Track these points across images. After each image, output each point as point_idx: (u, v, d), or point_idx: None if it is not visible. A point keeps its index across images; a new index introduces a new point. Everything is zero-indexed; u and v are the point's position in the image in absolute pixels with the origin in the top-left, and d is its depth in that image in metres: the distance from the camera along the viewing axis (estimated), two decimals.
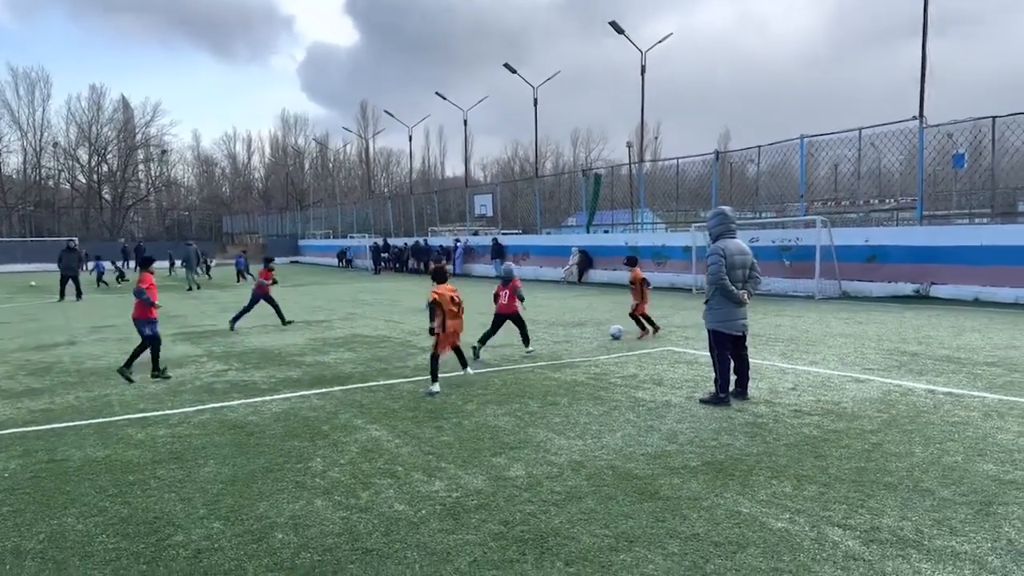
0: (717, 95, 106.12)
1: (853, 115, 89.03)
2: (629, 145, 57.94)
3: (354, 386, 8.48)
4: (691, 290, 21.15)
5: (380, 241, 41.28)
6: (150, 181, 77.19)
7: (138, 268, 32.43)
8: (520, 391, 8.01)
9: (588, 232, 29.60)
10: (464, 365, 8.82)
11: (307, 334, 13.39)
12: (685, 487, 4.80)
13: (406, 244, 39.71)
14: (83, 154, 70.84)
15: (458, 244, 35.27)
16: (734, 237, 7.42)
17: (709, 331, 7.38)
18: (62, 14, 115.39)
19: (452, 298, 8.27)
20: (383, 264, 39.66)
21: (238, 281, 31.26)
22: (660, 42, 32.70)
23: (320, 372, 9.43)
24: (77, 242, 28.34)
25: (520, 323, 10.62)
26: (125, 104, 73.97)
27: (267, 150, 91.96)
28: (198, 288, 27.21)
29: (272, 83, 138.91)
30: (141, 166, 75.74)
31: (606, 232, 32.06)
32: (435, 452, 5.74)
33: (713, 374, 7.39)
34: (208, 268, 36.77)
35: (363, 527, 4.25)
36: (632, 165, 36.23)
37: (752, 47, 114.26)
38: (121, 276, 33.33)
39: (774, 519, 4.22)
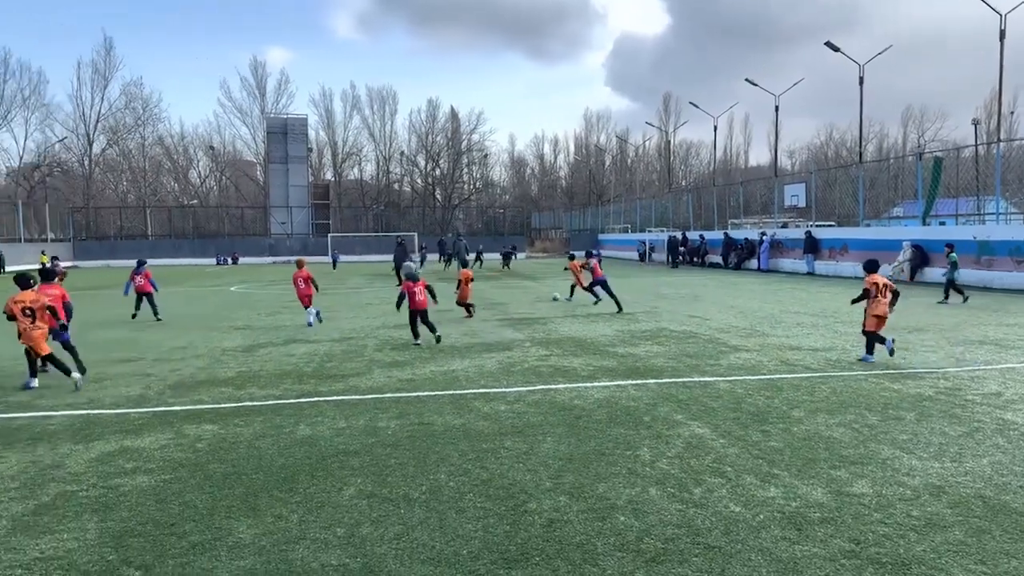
0: None
1: None
2: (975, 123, 49.57)
3: (668, 380, 8.56)
4: None
5: (678, 235, 40.92)
6: (472, 182, 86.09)
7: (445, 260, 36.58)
8: (854, 400, 7.38)
9: (924, 224, 25.99)
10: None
11: (615, 325, 13.83)
12: None
13: (702, 237, 38.80)
14: (421, 160, 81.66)
15: (764, 238, 33.46)
16: None
17: None
18: (402, 31, 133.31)
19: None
20: (681, 258, 39.27)
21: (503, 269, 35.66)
22: None
23: (633, 364, 9.69)
24: (404, 238, 32.85)
25: (425, 318, 12.06)
26: (454, 114, 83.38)
27: (571, 148, 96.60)
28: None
29: (579, 80, 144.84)
30: (465, 169, 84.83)
31: (942, 224, 27.85)
32: (765, 457, 5.56)
33: None
34: (480, 259, 39.77)
35: (701, 522, 4.29)
36: (980, 146, 30.91)
37: None
38: (447, 264, 38.00)
39: None
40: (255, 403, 7.74)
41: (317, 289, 15.22)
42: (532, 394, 7.90)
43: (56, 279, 10.97)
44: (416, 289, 12.03)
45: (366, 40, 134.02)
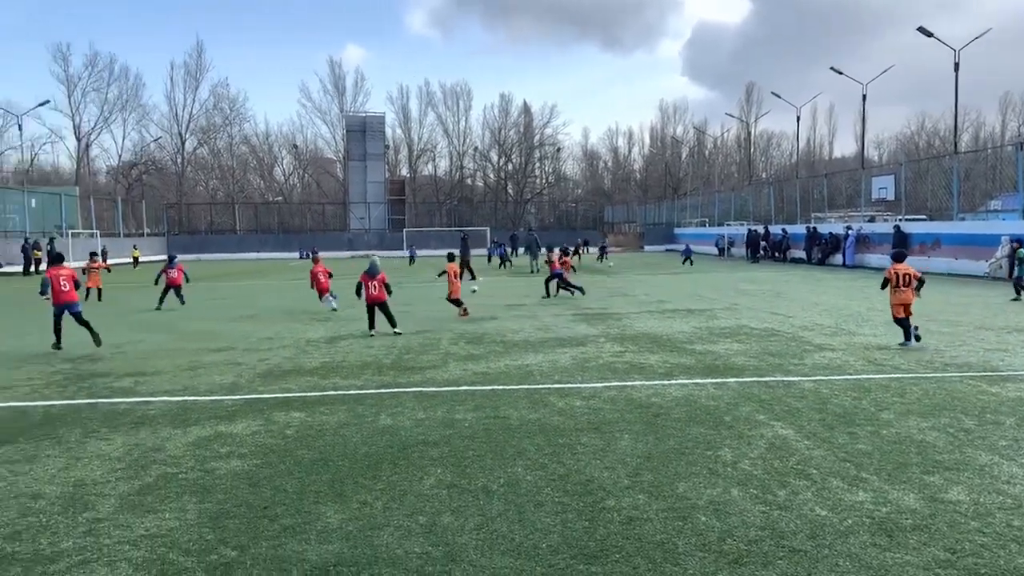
0: None
1: None
2: None
3: (749, 379, 8.36)
4: None
5: (759, 229, 39.76)
6: (544, 177, 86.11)
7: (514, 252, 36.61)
8: (948, 404, 7.02)
9: None
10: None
11: (691, 322, 13.59)
12: None
13: (784, 231, 37.56)
14: (494, 155, 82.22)
15: (849, 232, 32.12)
16: None
17: None
18: (476, 26, 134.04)
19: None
20: (762, 252, 38.16)
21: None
22: None
23: (711, 361, 9.51)
24: (467, 233, 33.44)
25: (386, 310, 12.73)
26: (526, 109, 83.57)
27: (646, 140, 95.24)
28: (537, 272, 29.97)
29: (654, 70, 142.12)
30: (538, 163, 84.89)
31: None
32: (852, 460, 5.37)
33: None
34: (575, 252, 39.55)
35: (785, 525, 4.19)
36: None
37: None
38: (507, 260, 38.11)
39: None
40: (338, 392, 8.01)
41: (331, 277, 16.96)
42: (608, 390, 7.86)
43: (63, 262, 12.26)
44: (372, 283, 12.69)
45: (440, 36, 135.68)
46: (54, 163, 75.21)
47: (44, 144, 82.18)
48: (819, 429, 6.21)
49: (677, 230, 60.48)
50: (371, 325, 12.75)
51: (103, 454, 5.84)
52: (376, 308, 12.76)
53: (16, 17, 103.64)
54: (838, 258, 32.36)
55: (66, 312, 11.35)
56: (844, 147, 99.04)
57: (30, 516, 4.55)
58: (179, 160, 74.66)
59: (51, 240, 38.04)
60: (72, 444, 6.14)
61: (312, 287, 16.90)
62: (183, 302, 17.92)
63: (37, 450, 5.98)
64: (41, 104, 54.37)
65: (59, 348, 11.26)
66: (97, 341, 11.21)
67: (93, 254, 22.35)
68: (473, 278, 22.20)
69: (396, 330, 12.60)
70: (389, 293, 12.92)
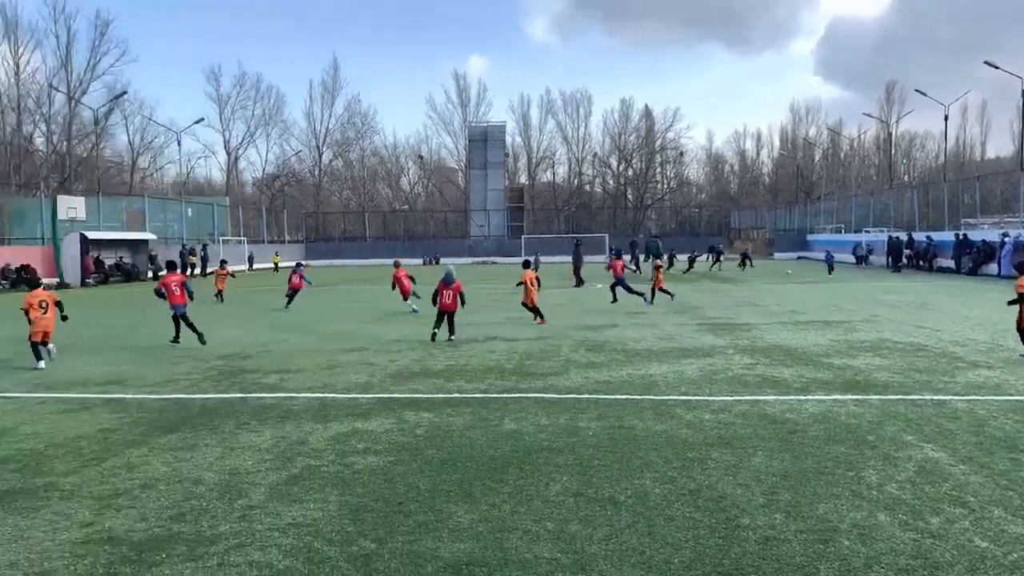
0: None
1: None
2: None
3: (894, 397, 7.81)
4: None
5: (901, 235, 37.04)
6: (666, 181, 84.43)
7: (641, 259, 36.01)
8: None
9: None
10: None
11: (828, 334, 12.86)
12: None
13: (929, 238, 34.76)
14: (613, 161, 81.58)
15: (1006, 239, 29.26)
16: None
17: None
18: (596, 30, 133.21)
19: None
20: (904, 261, 35.52)
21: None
22: None
23: (851, 377, 8.95)
24: (581, 239, 33.44)
25: (452, 319, 13.03)
26: (648, 113, 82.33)
27: (775, 143, 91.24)
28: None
29: (784, 70, 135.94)
30: (659, 168, 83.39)
31: None
32: (1015, 488, 4.90)
33: None
34: (672, 260, 38.21)
35: (939, 555, 3.88)
36: None
37: None
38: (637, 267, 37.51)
39: None
40: (463, 395, 8.22)
41: (414, 282, 18.23)
42: (738, 404, 7.59)
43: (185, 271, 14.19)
44: (447, 292, 12.98)
45: (560, 42, 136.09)
46: (207, 176, 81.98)
47: (199, 158, 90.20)
48: (976, 453, 5.70)
49: (810, 236, 57.50)
50: (436, 329, 12.95)
51: (253, 445, 6.30)
52: (446, 315, 13.04)
53: (176, 45, 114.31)
54: (992, 268, 29.57)
55: (178, 314, 12.80)
56: (999, 147, 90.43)
57: (192, 500, 4.97)
58: (316, 172, 79.39)
59: (204, 246, 41.53)
60: (226, 434, 6.67)
61: (393, 289, 18.58)
62: (287, 306, 19.36)
63: (197, 439, 6.54)
64: (196, 122, 59.41)
65: (177, 342, 12.72)
66: (201, 339, 12.40)
67: (223, 262, 25.73)
68: (579, 284, 21.85)
69: (451, 337, 12.86)
70: (462, 303, 13.27)
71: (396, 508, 4.73)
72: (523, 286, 15.56)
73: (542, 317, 15.14)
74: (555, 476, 5.32)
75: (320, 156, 78.84)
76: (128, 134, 66.75)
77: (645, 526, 4.37)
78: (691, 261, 36.63)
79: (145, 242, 37.99)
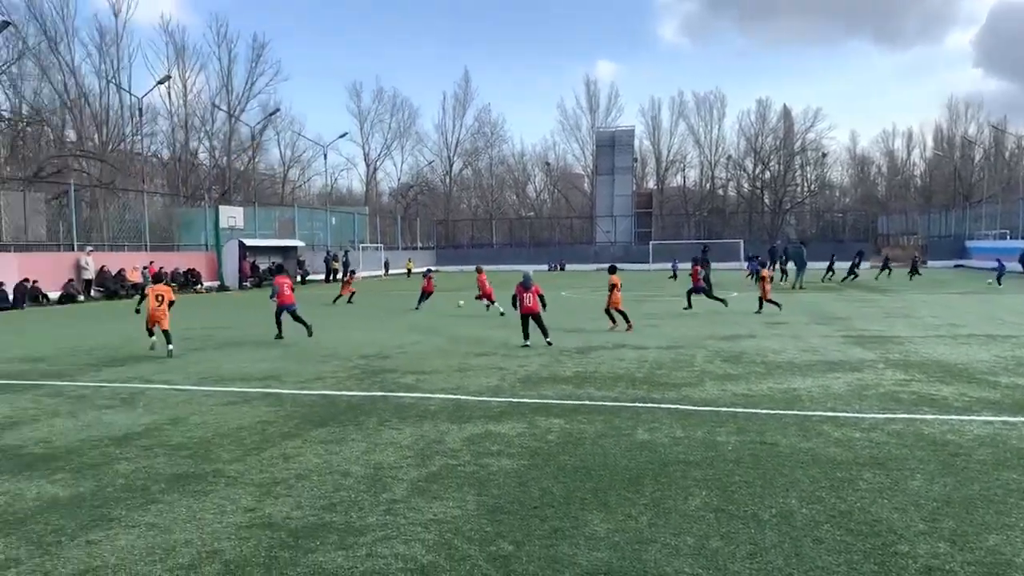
0: None
1: None
2: None
3: None
4: None
5: None
6: (806, 184, 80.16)
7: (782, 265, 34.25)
8: None
9: None
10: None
11: (993, 350, 11.71)
12: None
13: None
14: (748, 164, 78.51)
15: None
16: None
17: None
18: (730, 30, 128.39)
19: None
20: None
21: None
22: None
23: (1022, 397, 8.10)
24: (708, 245, 32.40)
25: (539, 321, 12.90)
26: (786, 113, 78.61)
27: (928, 142, 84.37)
28: (801, 288, 27.85)
29: (939, 63, 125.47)
30: (798, 171, 79.31)
31: None
32: None
33: None
34: (831, 268, 35.71)
35: None
36: None
37: None
38: (784, 275, 35.64)
39: None
40: (594, 403, 8.18)
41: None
42: (891, 423, 7.06)
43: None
44: (526, 295, 12.95)
45: (691, 44, 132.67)
46: (349, 186, 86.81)
47: (341, 170, 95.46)
48: None
49: (969, 243, 52.68)
50: (525, 335, 13.04)
51: (395, 442, 6.59)
52: (530, 319, 13.05)
53: (322, 63, 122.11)
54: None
55: (286, 311, 14.44)
56: None
57: (342, 491, 5.28)
58: (447, 181, 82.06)
59: (345, 252, 43.99)
60: (370, 430, 7.03)
61: (479, 297, 19.96)
62: (417, 307, 21.12)
63: (344, 433, 6.93)
64: (340, 136, 63.38)
65: (281, 338, 14.22)
66: (309, 332, 14.20)
67: (352, 272, 28.85)
68: (710, 291, 21.10)
69: (548, 340, 12.82)
70: (544, 306, 13.21)
71: (532, 512, 4.79)
72: (611, 290, 15.59)
73: (629, 323, 15.17)
74: (693, 490, 5.19)
75: (451, 166, 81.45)
76: (280, 148, 72.09)
77: (792, 547, 4.16)
78: (853, 268, 33.98)
79: (295, 248, 40.81)
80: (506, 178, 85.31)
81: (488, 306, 19.81)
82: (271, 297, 14.77)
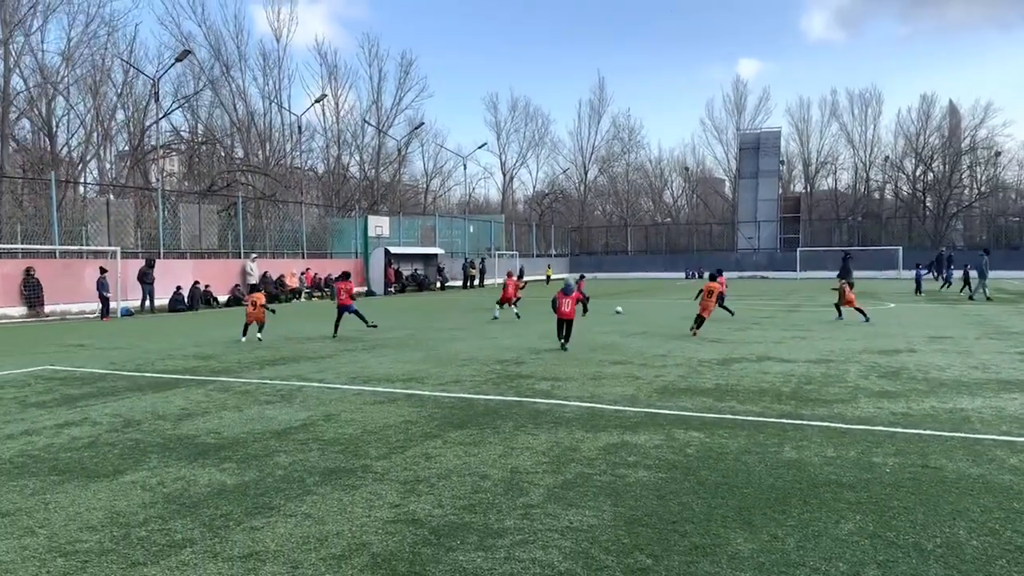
0: None
1: None
2: None
3: None
4: None
5: None
6: (976, 186, 72.89)
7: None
8: None
9: None
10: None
11: None
12: None
13: None
14: (908, 164, 72.50)
15: None
16: None
17: None
18: (890, 19, 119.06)
19: None
20: None
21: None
22: None
23: None
24: (850, 252, 30.37)
25: (569, 327, 13.58)
26: (952, 110, 71.97)
27: None
28: (988, 299, 25.89)
29: None
30: (967, 171, 72.30)
31: None
32: None
33: None
34: None
35: None
36: None
37: None
38: (947, 283, 32.78)
39: None
40: (736, 417, 7.87)
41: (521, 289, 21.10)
42: None
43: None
44: (566, 301, 13.53)
45: (844, 38, 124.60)
46: (485, 195, 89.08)
47: (479, 180, 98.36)
48: None
49: None
50: (560, 337, 13.76)
51: (531, 447, 6.68)
52: (565, 324, 13.65)
53: (461, 77, 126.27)
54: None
55: (345, 312, 16.60)
56: None
57: (480, 493, 5.41)
58: (582, 188, 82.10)
59: (482, 260, 45.16)
60: (507, 434, 7.16)
61: (500, 301, 21.19)
62: (516, 314, 21.52)
63: (482, 436, 7.11)
64: (480, 147, 65.15)
65: (335, 337, 15.89)
66: (366, 323, 17.00)
67: (509, 273, 29.60)
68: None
69: (566, 345, 13.59)
70: (584, 311, 14.16)
71: (671, 526, 4.68)
72: (706, 296, 16.16)
73: (697, 327, 15.85)
74: (846, 514, 4.86)
75: (586, 173, 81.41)
76: (423, 160, 75.32)
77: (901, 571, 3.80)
78: None
79: (435, 256, 42.45)
80: (642, 184, 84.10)
81: (503, 307, 21.26)
82: (333, 299, 17.01)
